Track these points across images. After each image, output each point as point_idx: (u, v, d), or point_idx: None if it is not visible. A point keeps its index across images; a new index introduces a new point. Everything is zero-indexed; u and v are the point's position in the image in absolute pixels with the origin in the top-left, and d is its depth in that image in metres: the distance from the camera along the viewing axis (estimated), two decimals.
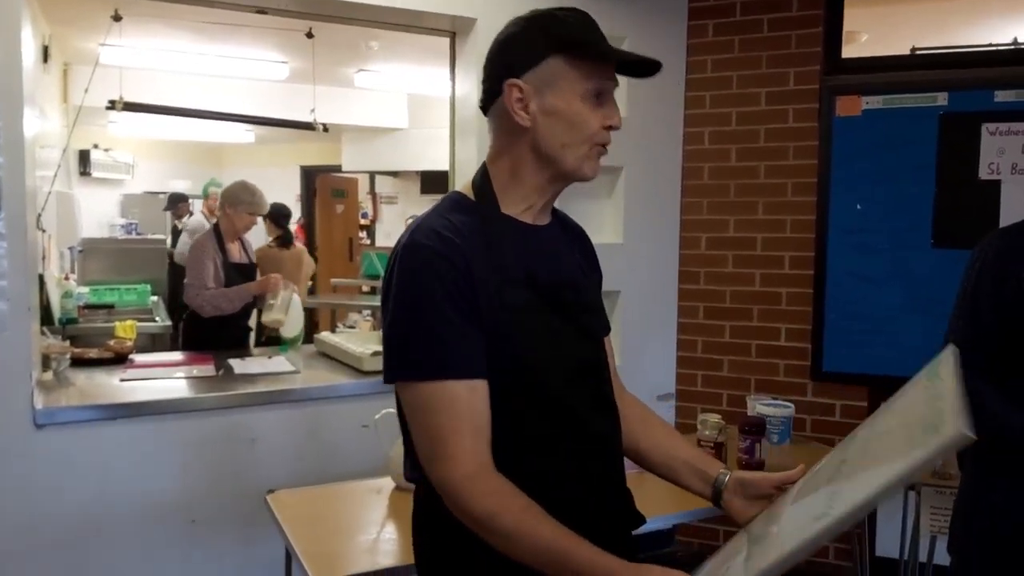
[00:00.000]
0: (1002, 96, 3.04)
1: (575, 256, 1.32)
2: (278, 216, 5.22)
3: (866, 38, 3.70)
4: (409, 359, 1.12)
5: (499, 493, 1.08)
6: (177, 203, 7.94)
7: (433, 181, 8.72)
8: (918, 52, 3.32)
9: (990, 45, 3.28)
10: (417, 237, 1.14)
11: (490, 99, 1.21)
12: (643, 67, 1.20)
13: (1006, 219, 2.89)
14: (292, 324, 3.84)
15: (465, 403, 1.09)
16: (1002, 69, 3.10)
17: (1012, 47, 3.25)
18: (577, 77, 1.16)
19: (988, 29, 3.84)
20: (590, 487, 1.21)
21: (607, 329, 1.35)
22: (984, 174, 3.05)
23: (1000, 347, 1.93)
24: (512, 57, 1.18)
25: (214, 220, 4.06)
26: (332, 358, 3.45)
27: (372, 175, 10.07)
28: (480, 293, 1.12)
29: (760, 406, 2.70)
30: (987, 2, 3.55)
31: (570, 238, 1.34)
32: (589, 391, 1.23)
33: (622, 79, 1.22)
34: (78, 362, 3.17)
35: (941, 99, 3.11)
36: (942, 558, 2.02)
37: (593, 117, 1.17)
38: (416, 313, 1.11)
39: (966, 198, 3.08)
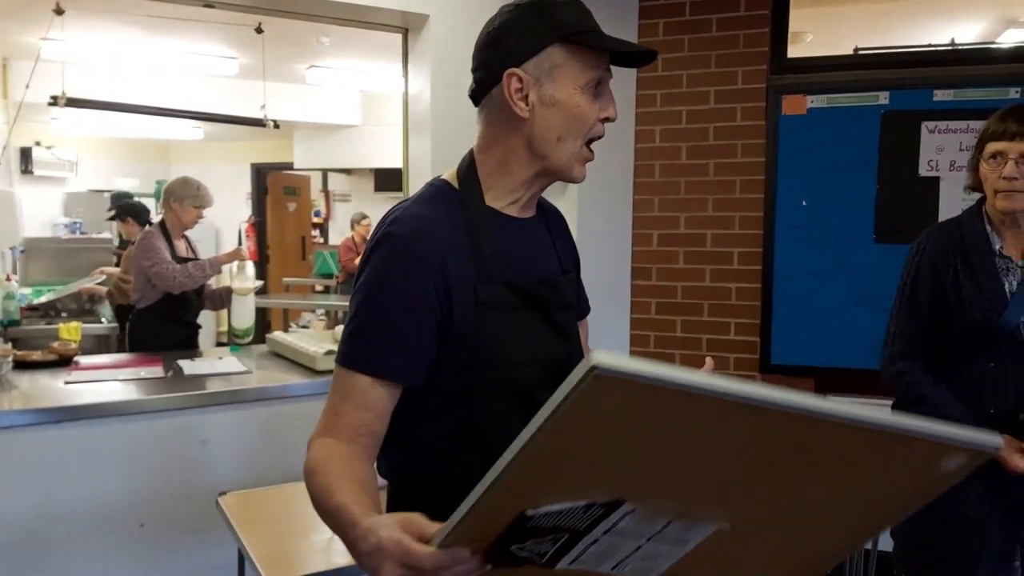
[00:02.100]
0: (941, 96, 3.14)
1: (556, 248, 1.30)
2: (141, 213, 5.15)
3: (811, 38, 3.79)
4: (344, 346, 1.14)
5: (329, 455, 1.07)
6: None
7: (387, 178, 8.67)
8: (861, 52, 3.41)
9: (929, 46, 3.39)
10: (392, 228, 1.13)
11: (484, 89, 1.18)
12: (635, 58, 1.18)
13: (945, 214, 2.99)
14: (243, 316, 3.79)
15: (361, 394, 1.10)
16: (941, 69, 3.19)
17: (950, 48, 3.35)
18: (578, 67, 1.13)
19: (927, 30, 3.96)
20: None
21: (584, 311, 1.38)
22: (924, 171, 3.15)
23: (938, 337, 2.00)
24: (511, 45, 1.14)
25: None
26: (285, 358, 3.41)
27: (325, 173, 9.96)
28: (453, 289, 1.11)
29: None
30: (926, 4, 3.65)
31: (552, 229, 1.32)
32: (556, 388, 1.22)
33: None
34: (21, 365, 3.09)
35: (883, 98, 3.20)
36: (886, 544, 2.08)
37: (591, 109, 1.15)
38: (365, 305, 1.12)
39: (907, 194, 3.17)
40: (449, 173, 1.23)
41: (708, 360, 1.28)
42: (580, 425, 0.61)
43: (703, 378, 0.58)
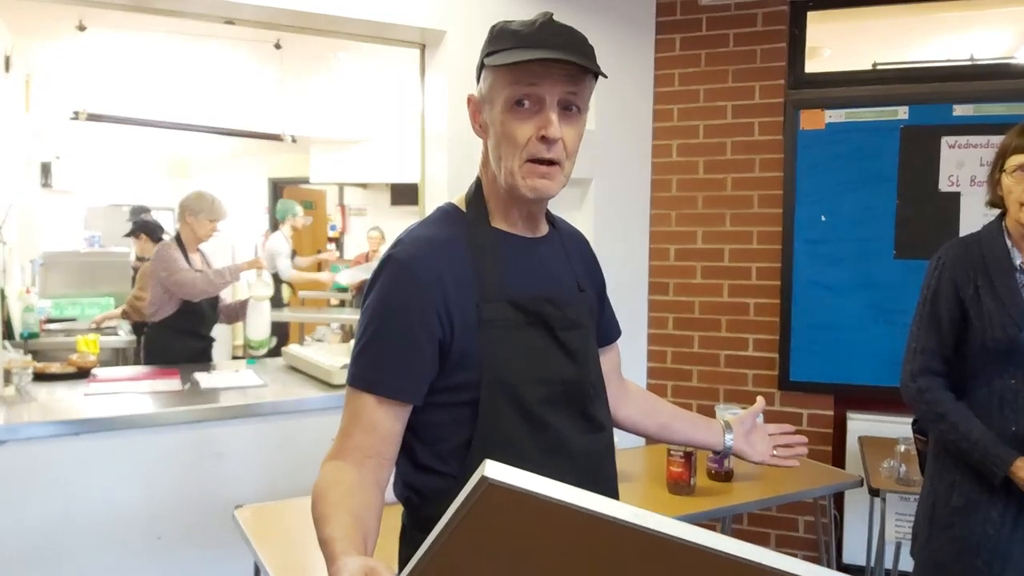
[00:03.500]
0: (960, 111, 3.12)
1: (571, 268, 1.29)
2: (155, 231, 5.20)
3: (829, 53, 3.77)
4: (353, 367, 1.17)
5: (332, 482, 1.09)
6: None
7: (403, 193, 8.70)
8: (879, 67, 3.39)
9: (948, 61, 3.36)
10: (394, 250, 1.17)
11: None
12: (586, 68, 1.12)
13: (965, 230, 2.96)
14: (259, 327, 3.80)
15: (368, 415, 1.13)
16: (960, 84, 3.18)
17: (970, 63, 3.33)
18: (500, 86, 1.13)
19: (946, 45, 3.94)
20: None
21: (614, 335, 1.40)
22: (944, 186, 3.13)
23: (958, 353, 1.98)
24: (477, 72, 1.21)
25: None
26: (301, 371, 3.42)
27: (341, 187, 10.02)
28: (455, 307, 1.12)
29: (729, 415, 2.71)
30: (945, 19, 3.64)
31: (568, 248, 1.32)
32: (571, 409, 1.20)
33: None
34: (40, 377, 3.11)
35: (902, 113, 3.18)
36: (907, 564, 2.05)
37: (520, 128, 1.12)
38: (369, 326, 1.15)
39: (927, 209, 3.15)
40: (459, 197, 1.26)
41: (759, 400, 1.59)
42: (477, 532, 0.65)
43: (576, 495, 0.61)
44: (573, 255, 1.32)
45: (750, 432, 1.56)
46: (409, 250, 1.15)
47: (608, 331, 1.42)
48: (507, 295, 1.16)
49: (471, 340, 1.13)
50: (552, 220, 1.31)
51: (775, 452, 1.57)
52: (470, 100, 1.21)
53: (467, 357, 1.13)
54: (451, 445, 1.16)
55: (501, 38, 1.15)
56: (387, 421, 1.13)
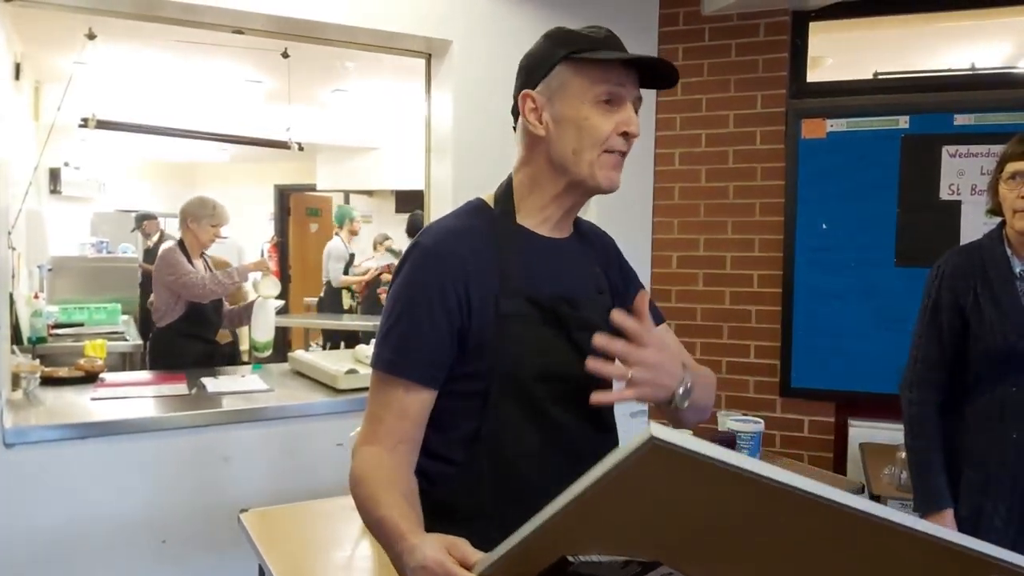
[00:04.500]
0: (961, 120, 3.14)
1: (591, 270, 1.32)
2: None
3: (831, 63, 3.80)
4: (377, 349, 1.20)
5: (374, 465, 1.13)
6: (143, 221, 7.87)
7: (408, 200, 8.74)
8: (880, 77, 3.41)
9: (949, 70, 3.39)
10: (422, 238, 1.21)
11: (516, 114, 1.26)
12: (662, 76, 1.22)
13: (967, 238, 2.97)
14: (264, 329, 3.82)
15: (398, 401, 1.16)
16: (961, 93, 3.20)
17: (970, 72, 3.35)
18: (585, 83, 1.17)
19: (947, 55, 3.96)
20: None
21: (657, 322, 1.36)
22: (945, 195, 3.14)
23: (959, 361, 2.00)
24: (528, 71, 1.23)
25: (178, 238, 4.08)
26: (306, 376, 3.45)
27: (347, 194, 10.07)
28: (475, 297, 1.16)
29: (731, 422, 2.74)
30: (946, 29, 3.66)
31: (591, 250, 1.35)
32: (580, 409, 1.19)
33: None
34: (48, 381, 3.14)
35: (903, 122, 3.20)
36: None
37: (604, 122, 1.18)
38: (395, 310, 1.18)
39: (928, 218, 3.16)
40: (488, 194, 1.30)
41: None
42: (629, 486, 0.68)
43: (747, 461, 0.65)
44: (596, 256, 1.35)
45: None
46: (435, 238, 1.20)
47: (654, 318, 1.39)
48: (526, 292, 1.19)
49: (487, 331, 1.16)
50: (577, 223, 1.34)
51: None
52: (527, 96, 1.21)
53: (481, 347, 1.16)
54: (460, 434, 1.19)
55: (575, 40, 1.19)
56: (417, 406, 1.17)
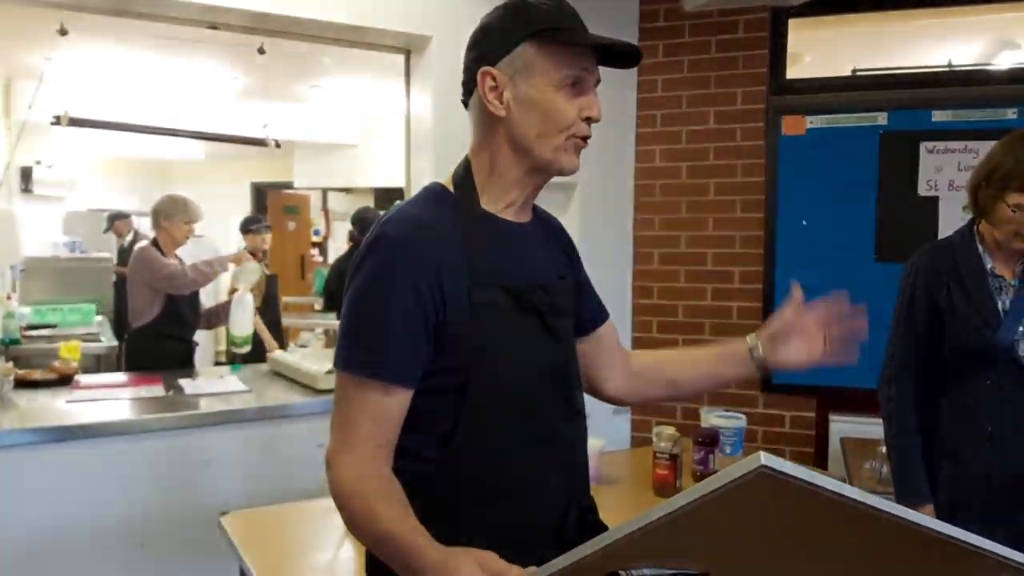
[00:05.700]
0: (939, 116, 3.17)
1: (554, 255, 1.29)
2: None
3: (810, 60, 3.81)
4: (345, 351, 1.12)
5: (359, 476, 1.07)
6: (115, 220, 7.78)
7: (387, 198, 8.69)
8: (859, 74, 3.43)
9: (927, 67, 3.41)
10: (386, 229, 1.13)
11: (468, 91, 1.19)
12: (624, 57, 1.17)
13: (944, 233, 2.98)
14: (242, 323, 3.77)
15: (374, 404, 1.09)
16: (939, 90, 3.22)
17: (948, 69, 3.38)
18: (552, 65, 1.12)
19: (925, 51, 3.99)
20: (554, 500, 1.20)
21: (603, 316, 1.38)
22: (923, 190, 3.17)
23: (935, 356, 2.01)
24: (486, 45, 1.15)
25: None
26: (286, 377, 3.41)
27: (324, 192, 9.99)
28: (447, 290, 1.10)
29: (713, 418, 2.74)
30: (924, 27, 3.68)
31: (549, 235, 1.32)
32: (556, 395, 1.20)
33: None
34: (22, 384, 3.09)
35: (881, 119, 3.22)
36: None
37: (569, 107, 1.13)
38: (363, 308, 1.11)
39: (906, 213, 3.19)
40: (445, 178, 1.23)
41: (795, 288, 1.38)
42: (720, 508, 0.69)
43: (857, 493, 0.66)
44: (553, 242, 1.32)
45: (779, 335, 1.34)
46: (400, 228, 1.12)
47: (599, 311, 1.41)
48: (499, 280, 1.14)
49: (462, 323, 1.10)
50: (533, 207, 1.30)
51: (826, 347, 1.37)
52: (487, 74, 1.14)
53: (457, 342, 1.11)
54: (436, 431, 1.13)
55: (537, 16, 1.13)
56: (396, 408, 1.10)
